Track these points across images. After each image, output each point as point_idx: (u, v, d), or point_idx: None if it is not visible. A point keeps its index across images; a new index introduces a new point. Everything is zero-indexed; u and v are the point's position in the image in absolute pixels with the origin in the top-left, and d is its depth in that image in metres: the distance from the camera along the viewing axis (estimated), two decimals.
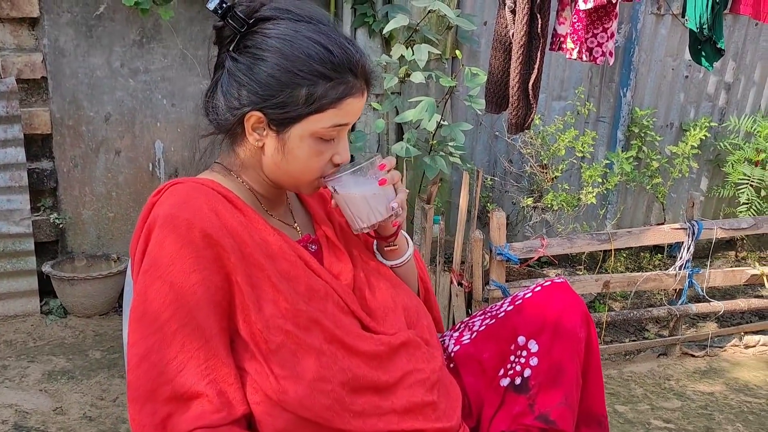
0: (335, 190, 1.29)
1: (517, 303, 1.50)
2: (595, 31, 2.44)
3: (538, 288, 1.51)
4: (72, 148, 3.27)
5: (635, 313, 3.09)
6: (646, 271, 3.06)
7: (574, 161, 3.65)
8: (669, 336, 3.21)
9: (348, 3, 3.29)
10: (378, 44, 3.37)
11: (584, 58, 2.43)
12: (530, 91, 2.42)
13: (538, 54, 2.38)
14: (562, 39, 2.48)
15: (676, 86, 4.02)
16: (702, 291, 3.10)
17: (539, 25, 2.35)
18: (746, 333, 3.31)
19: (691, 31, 2.50)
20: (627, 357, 3.24)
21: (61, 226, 3.26)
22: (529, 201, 3.44)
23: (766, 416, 2.78)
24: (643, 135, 3.85)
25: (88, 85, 3.22)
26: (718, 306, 3.15)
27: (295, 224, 1.38)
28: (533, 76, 2.39)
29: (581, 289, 2.93)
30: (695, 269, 3.05)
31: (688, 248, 2.99)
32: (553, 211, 3.47)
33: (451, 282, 3.04)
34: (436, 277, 3.11)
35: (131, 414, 1.14)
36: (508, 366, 1.44)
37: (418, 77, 3.00)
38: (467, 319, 1.60)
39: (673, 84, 4.01)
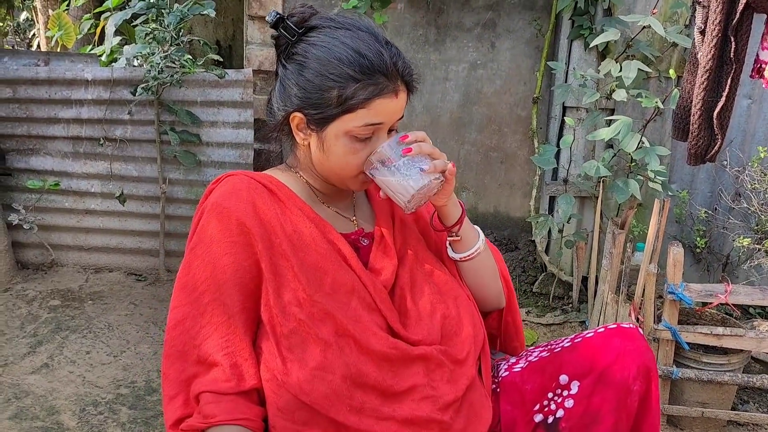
0: (373, 176, 1.34)
1: (576, 341, 1.44)
2: None
3: (602, 329, 1.42)
4: None
5: None
6: None
7: None
8: None
9: (567, 14, 3.22)
10: (594, 58, 3.25)
11: None
12: (715, 121, 2.20)
13: (728, 81, 2.15)
14: (763, 66, 2.21)
15: None
16: None
17: (732, 50, 2.12)
18: None
19: None
20: None
21: None
22: (746, 242, 3.08)
23: None
24: None
25: None
26: None
27: (354, 218, 1.46)
28: (719, 105, 2.17)
29: None
30: None
31: None
32: None
33: (630, 315, 2.86)
34: (618, 307, 2.95)
35: (163, 367, 1.32)
36: (545, 402, 1.39)
37: (620, 95, 2.85)
38: (531, 347, 1.55)
39: None
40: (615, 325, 1.42)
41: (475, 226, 1.51)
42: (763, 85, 2.19)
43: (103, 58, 3.59)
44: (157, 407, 2.64)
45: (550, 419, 1.36)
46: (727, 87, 2.16)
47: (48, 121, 3.34)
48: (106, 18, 3.76)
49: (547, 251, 3.64)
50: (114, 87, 3.25)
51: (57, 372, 2.81)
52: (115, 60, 3.54)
